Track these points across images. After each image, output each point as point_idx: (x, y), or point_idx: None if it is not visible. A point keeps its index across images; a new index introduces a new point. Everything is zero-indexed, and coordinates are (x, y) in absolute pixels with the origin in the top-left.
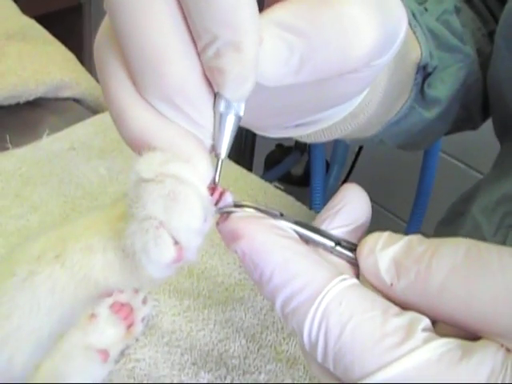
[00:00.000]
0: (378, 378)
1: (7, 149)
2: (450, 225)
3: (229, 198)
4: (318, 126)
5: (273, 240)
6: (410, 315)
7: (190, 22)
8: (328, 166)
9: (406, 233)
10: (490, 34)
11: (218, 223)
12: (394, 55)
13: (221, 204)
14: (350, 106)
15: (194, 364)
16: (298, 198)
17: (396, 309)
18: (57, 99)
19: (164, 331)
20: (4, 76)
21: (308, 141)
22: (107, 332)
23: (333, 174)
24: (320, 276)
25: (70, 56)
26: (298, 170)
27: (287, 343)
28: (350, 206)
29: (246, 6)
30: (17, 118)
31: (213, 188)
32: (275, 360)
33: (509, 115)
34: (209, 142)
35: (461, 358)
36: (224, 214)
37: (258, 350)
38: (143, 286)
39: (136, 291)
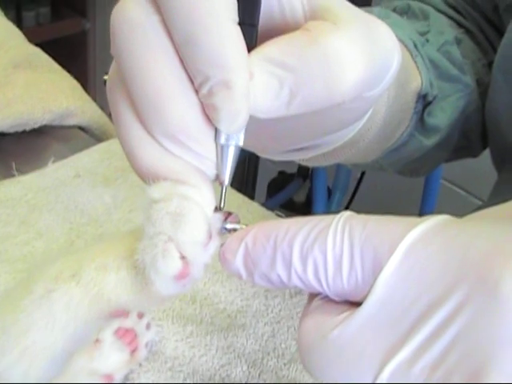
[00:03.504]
0: (414, 234)
1: (13, 176)
2: None
3: (235, 219)
4: (319, 150)
5: (281, 220)
6: None
7: (185, 65)
8: (330, 192)
9: None
10: (490, 65)
11: (222, 245)
12: (390, 85)
13: (228, 220)
14: (349, 132)
15: None
16: None
17: None
18: (62, 127)
19: (167, 356)
20: (11, 104)
21: (309, 164)
22: (112, 357)
23: (335, 201)
24: (330, 216)
25: (75, 84)
26: (300, 197)
27: (288, 369)
28: None
29: (232, 47)
30: (23, 145)
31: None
32: None
33: (505, 145)
34: (213, 172)
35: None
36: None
37: (260, 375)
38: (153, 305)
39: (140, 316)
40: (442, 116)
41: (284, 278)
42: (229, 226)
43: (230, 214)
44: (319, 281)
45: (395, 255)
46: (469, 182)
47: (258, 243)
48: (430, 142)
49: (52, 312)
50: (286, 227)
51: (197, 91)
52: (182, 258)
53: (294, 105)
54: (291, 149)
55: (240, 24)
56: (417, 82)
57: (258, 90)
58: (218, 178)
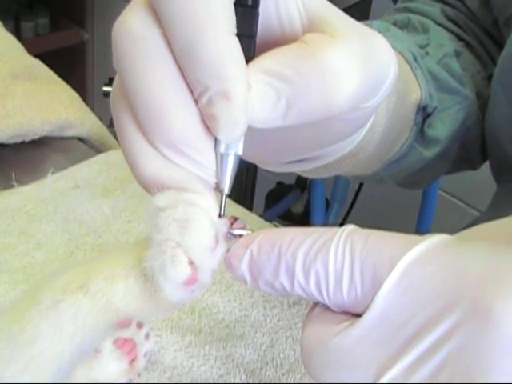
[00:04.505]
0: (413, 253)
1: (12, 186)
2: None
3: (240, 224)
4: (319, 162)
5: (286, 228)
6: None
7: (185, 76)
8: (328, 204)
9: None
10: (490, 78)
11: (228, 250)
12: (388, 97)
13: (234, 226)
14: (349, 144)
15: None
16: None
17: None
18: (61, 138)
19: (166, 366)
20: (10, 115)
21: (310, 176)
22: (110, 366)
23: (333, 212)
24: (334, 228)
25: (74, 95)
26: (298, 208)
27: (286, 378)
28: None
29: (231, 59)
30: (22, 156)
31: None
32: None
33: (504, 157)
34: (213, 180)
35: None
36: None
37: None
38: (161, 312)
39: (139, 326)
40: (442, 128)
41: (287, 286)
42: (235, 231)
43: (235, 219)
44: (320, 292)
45: (394, 273)
46: (467, 193)
47: (263, 251)
48: (430, 153)
49: (59, 322)
50: (291, 237)
51: (196, 101)
52: (191, 263)
53: (291, 116)
54: (291, 160)
55: (238, 35)
56: (416, 93)
57: (256, 100)
58: (217, 187)
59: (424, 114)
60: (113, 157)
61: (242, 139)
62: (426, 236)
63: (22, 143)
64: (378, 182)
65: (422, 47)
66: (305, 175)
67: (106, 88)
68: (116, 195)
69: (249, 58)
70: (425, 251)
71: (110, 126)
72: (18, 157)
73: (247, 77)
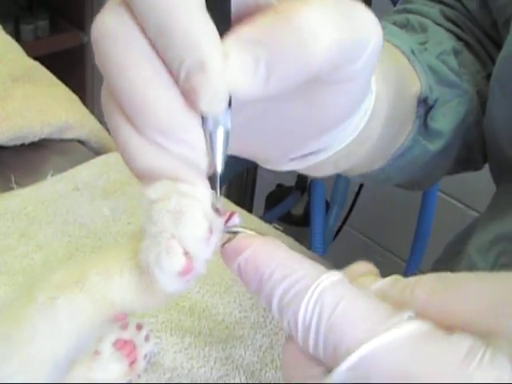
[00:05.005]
0: (366, 349)
1: (12, 189)
2: (447, 264)
3: (237, 219)
4: (323, 155)
5: (276, 245)
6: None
7: (163, 57)
8: (328, 206)
9: (406, 272)
10: (489, 77)
11: (223, 245)
12: (368, 66)
13: (229, 223)
14: (350, 134)
15: None
16: (299, 238)
17: None
18: (61, 140)
19: (166, 368)
20: (10, 117)
21: (314, 174)
22: (110, 368)
23: (332, 214)
24: (317, 270)
25: (74, 98)
26: (298, 210)
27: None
28: None
29: (203, 31)
30: (21, 158)
31: (219, 210)
32: None
33: (504, 159)
34: (205, 161)
35: (443, 334)
36: (230, 236)
37: None
38: (157, 304)
39: (139, 328)
40: (444, 121)
41: (267, 307)
42: (233, 229)
43: (231, 214)
44: (292, 334)
45: (345, 363)
46: (466, 194)
47: (249, 269)
48: (433, 146)
49: (56, 319)
50: (273, 269)
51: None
52: (185, 253)
53: (271, 82)
54: (296, 155)
55: (212, 11)
56: (416, 86)
57: (235, 68)
58: (211, 167)
59: (426, 106)
60: (112, 159)
61: (229, 113)
62: (398, 321)
63: (22, 145)
64: (382, 182)
65: (421, 44)
66: (309, 173)
67: None
68: (116, 197)
69: (226, 33)
70: (383, 346)
71: None
72: (18, 159)
73: (224, 47)
